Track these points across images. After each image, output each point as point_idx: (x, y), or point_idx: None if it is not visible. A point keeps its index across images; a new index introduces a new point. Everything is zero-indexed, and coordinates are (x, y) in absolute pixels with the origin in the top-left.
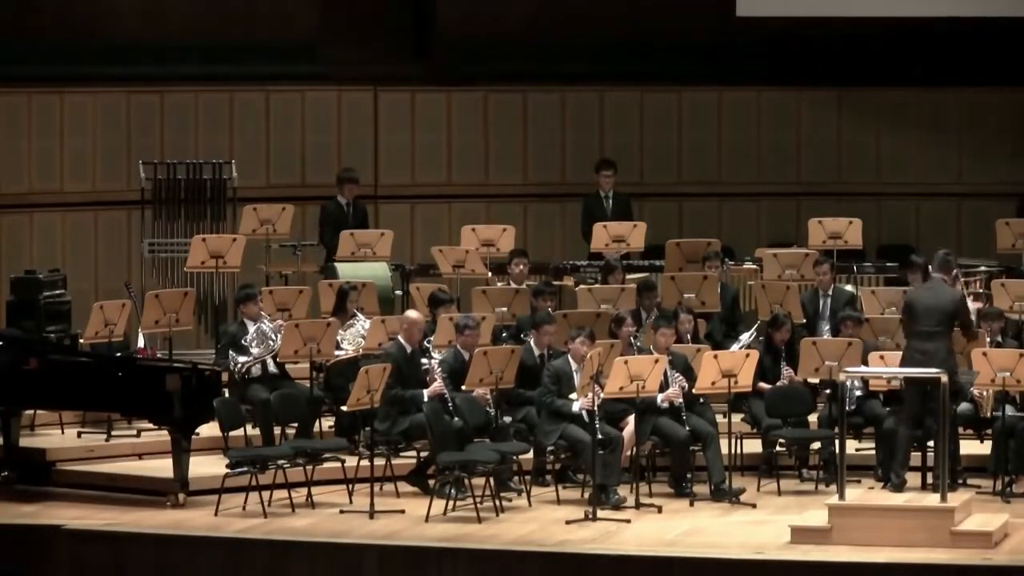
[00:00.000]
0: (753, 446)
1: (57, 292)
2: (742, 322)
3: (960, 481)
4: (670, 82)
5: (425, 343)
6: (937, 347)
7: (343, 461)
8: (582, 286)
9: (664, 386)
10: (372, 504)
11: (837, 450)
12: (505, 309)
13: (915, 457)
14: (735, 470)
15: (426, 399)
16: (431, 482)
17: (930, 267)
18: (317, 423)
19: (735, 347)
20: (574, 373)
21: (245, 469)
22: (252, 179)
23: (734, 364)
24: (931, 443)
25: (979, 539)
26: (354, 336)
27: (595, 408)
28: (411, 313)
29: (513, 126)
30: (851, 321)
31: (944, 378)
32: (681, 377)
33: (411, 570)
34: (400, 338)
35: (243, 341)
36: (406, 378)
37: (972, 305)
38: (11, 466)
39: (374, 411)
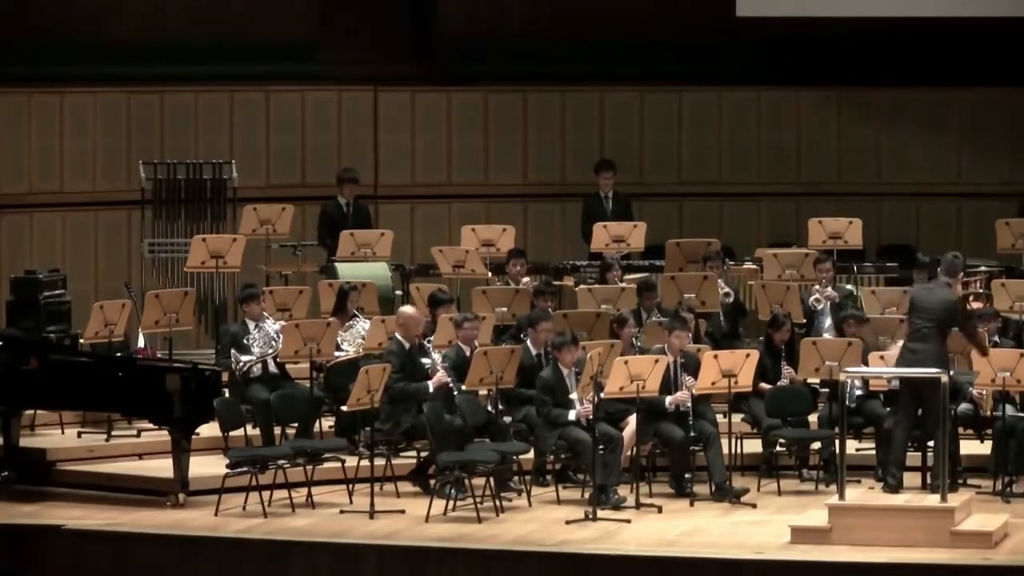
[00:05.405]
0: (753, 446)
1: (57, 292)
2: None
3: (960, 481)
4: (670, 82)
5: (425, 343)
6: (927, 348)
7: (343, 461)
8: (582, 286)
9: (672, 388)
10: (372, 504)
11: (837, 450)
12: (505, 309)
13: (915, 457)
14: (735, 470)
15: (431, 389)
16: (431, 482)
17: (939, 268)
18: (317, 423)
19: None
20: (566, 379)
21: (245, 469)
22: (252, 179)
23: (734, 364)
24: (931, 443)
25: (979, 539)
26: (354, 337)
27: (592, 416)
28: (406, 308)
29: (513, 126)
30: (853, 320)
31: (944, 378)
32: (692, 380)
33: (411, 570)
34: (398, 335)
35: (245, 340)
36: (408, 375)
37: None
38: (11, 466)
39: (374, 411)
